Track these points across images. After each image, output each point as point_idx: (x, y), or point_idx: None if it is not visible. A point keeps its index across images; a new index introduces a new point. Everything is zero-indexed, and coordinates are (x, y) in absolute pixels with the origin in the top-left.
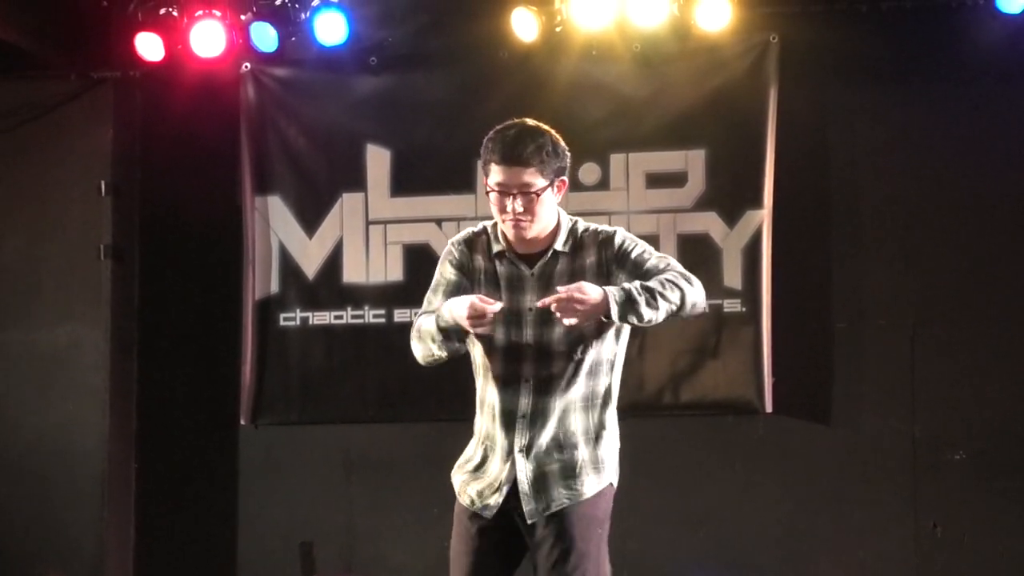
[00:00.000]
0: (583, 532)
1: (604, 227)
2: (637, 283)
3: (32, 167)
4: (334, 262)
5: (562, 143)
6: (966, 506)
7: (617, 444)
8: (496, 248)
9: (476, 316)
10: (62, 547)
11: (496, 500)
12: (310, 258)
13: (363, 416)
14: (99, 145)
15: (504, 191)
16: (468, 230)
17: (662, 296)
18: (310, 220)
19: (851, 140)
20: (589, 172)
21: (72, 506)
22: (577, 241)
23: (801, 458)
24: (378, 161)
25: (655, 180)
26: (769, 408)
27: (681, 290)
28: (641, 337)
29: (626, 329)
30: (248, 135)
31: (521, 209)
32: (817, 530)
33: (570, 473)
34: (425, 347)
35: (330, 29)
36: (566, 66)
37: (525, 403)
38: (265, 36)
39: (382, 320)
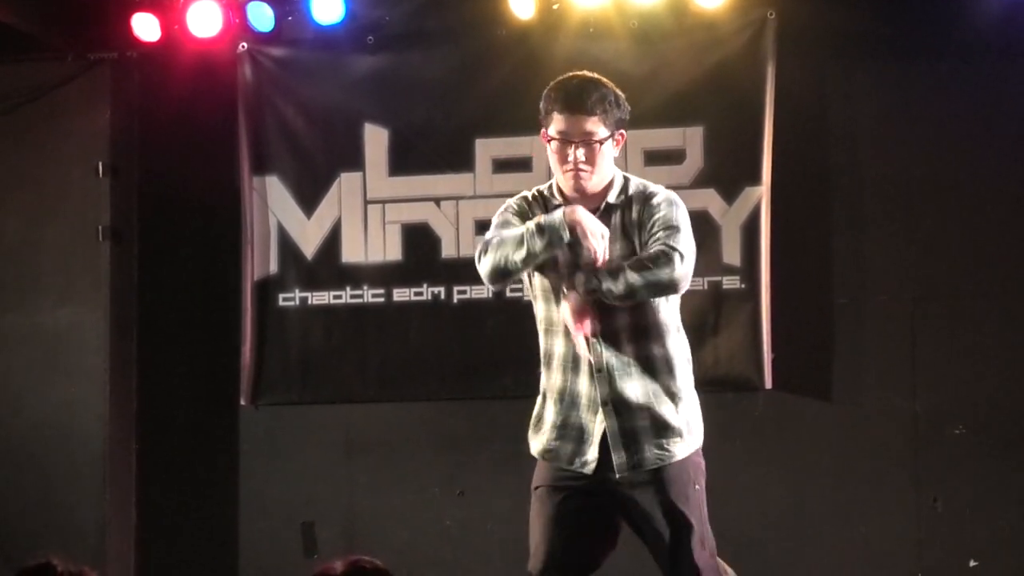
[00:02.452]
0: (679, 493)
1: (654, 186)
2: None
3: (30, 149)
4: (332, 242)
5: (623, 96)
6: (967, 481)
7: (698, 407)
8: (554, 203)
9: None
10: (63, 527)
11: (593, 455)
12: (308, 238)
13: (363, 395)
14: (97, 126)
15: (565, 140)
16: (522, 193)
17: (624, 272)
18: (308, 200)
19: (850, 116)
20: None
21: (73, 487)
22: (628, 197)
23: (801, 434)
24: (376, 140)
25: (653, 157)
26: (769, 385)
27: (647, 271)
28: None
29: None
30: (246, 115)
31: (583, 159)
32: (818, 506)
33: (661, 432)
34: (506, 258)
35: (327, 8)
36: (563, 43)
37: (598, 357)
38: (262, 16)
39: (381, 299)
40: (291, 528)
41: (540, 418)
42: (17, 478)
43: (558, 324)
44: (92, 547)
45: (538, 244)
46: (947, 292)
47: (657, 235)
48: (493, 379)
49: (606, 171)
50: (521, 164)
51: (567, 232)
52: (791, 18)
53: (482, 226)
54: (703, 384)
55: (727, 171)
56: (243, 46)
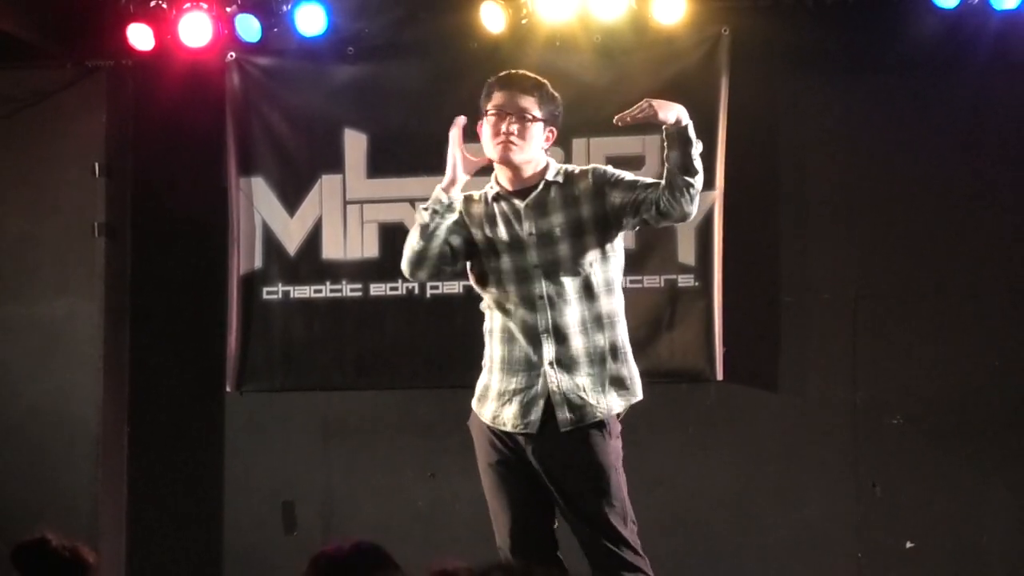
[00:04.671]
0: (603, 449)
1: (595, 165)
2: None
3: (30, 151)
4: (314, 239)
5: (559, 98)
6: (904, 467)
7: (634, 364)
8: (492, 192)
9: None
10: (59, 505)
11: (536, 415)
12: (291, 236)
13: (341, 383)
14: (93, 130)
15: (501, 112)
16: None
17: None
18: (291, 200)
19: (798, 126)
20: (552, 156)
21: (68, 468)
22: (569, 175)
23: (750, 423)
24: (355, 145)
25: (615, 163)
26: (720, 376)
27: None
28: None
29: (621, 249)
30: (233, 121)
31: (515, 131)
32: (764, 490)
33: (598, 387)
34: (411, 243)
35: (310, 21)
36: (531, 56)
37: (544, 320)
38: (249, 27)
39: (359, 294)
40: (272, 507)
41: (487, 387)
42: (15, 459)
43: (505, 302)
44: (85, 524)
45: (424, 215)
46: (886, 291)
47: (642, 182)
48: (462, 369)
49: (534, 152)
50: (489, 168)
51: (445, 196)
52: (744, 34)
53: None
54: (659, 376)
55: None
56: (231, 56)
